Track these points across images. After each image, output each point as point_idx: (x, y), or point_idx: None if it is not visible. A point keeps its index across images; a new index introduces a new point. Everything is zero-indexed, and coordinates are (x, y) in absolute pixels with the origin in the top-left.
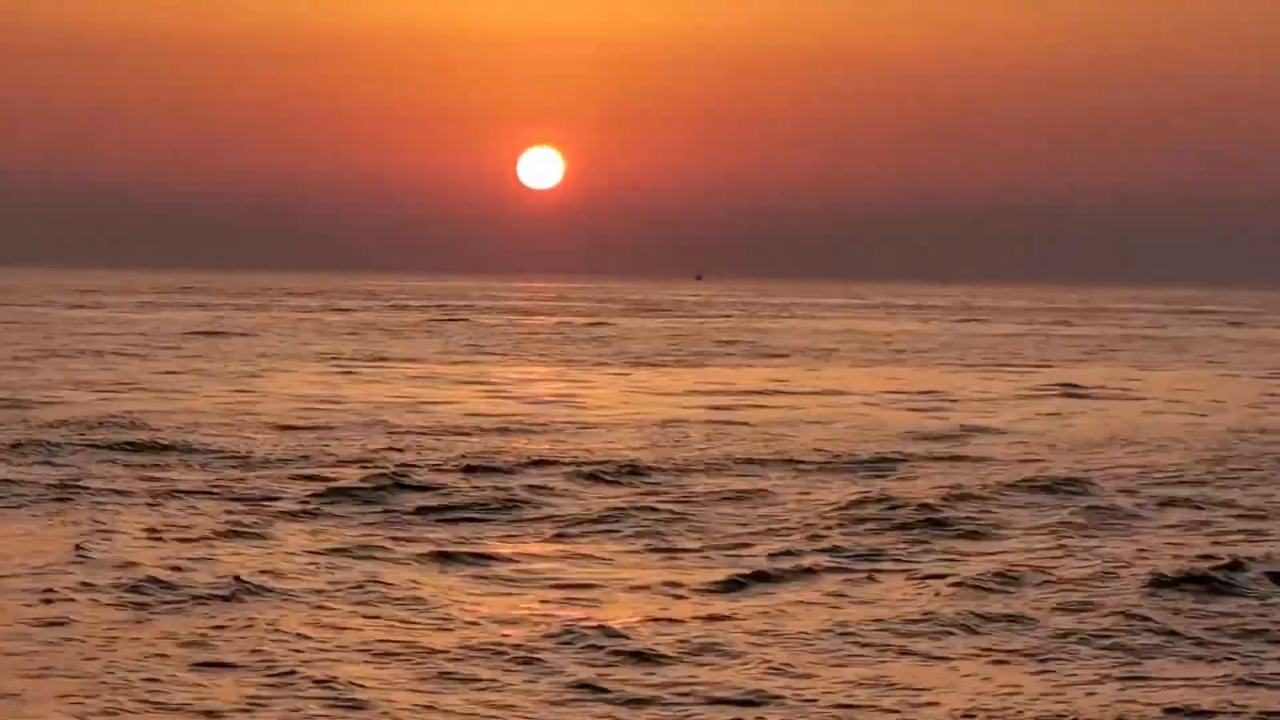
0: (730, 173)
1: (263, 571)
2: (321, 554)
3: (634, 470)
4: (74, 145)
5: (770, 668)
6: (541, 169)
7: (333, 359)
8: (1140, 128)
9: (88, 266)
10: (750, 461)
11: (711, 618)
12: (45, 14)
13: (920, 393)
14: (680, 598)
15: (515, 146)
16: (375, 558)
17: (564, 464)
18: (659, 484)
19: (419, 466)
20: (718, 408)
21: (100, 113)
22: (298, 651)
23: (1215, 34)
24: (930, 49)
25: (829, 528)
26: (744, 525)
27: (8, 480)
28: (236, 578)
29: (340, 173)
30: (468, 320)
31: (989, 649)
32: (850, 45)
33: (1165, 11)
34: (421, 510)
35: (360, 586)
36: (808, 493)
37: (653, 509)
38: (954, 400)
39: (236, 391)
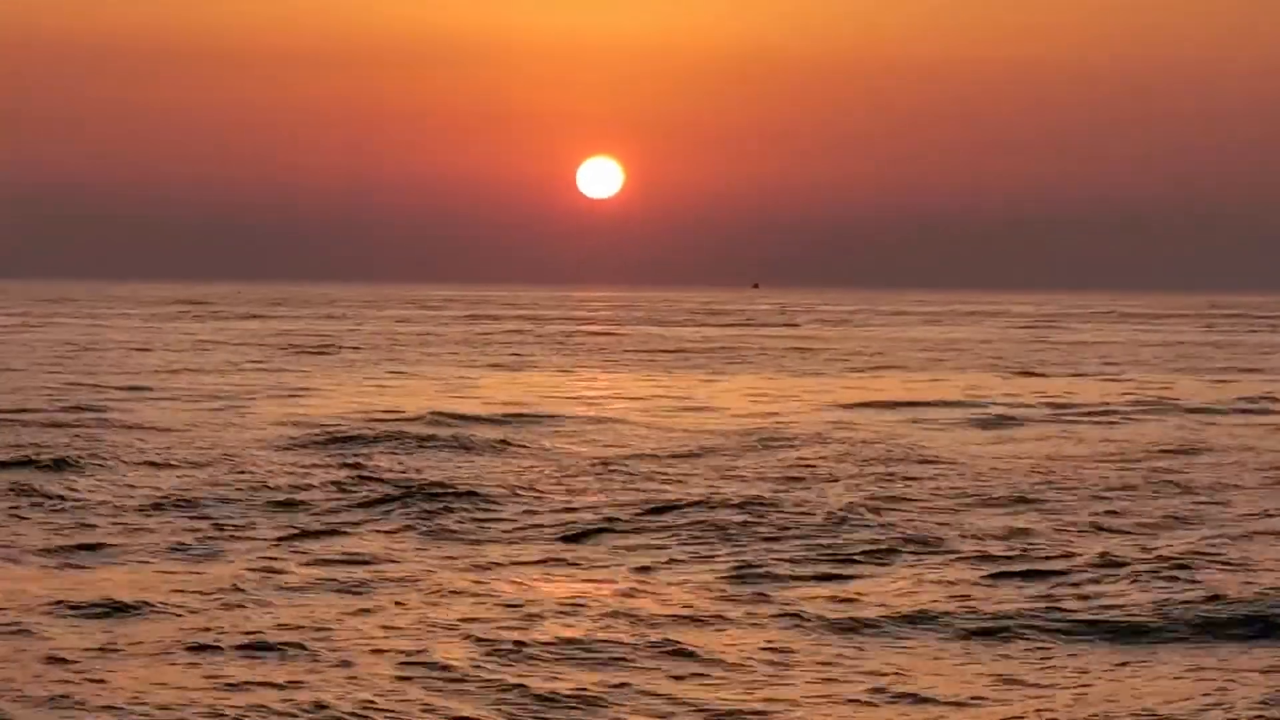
0: (787, 182)
1: None
2: None
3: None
4: (119, 153)
5: None
6: (601, 179)
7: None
8: (1201, 128)
9: (137, 278)
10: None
11: None
12: (101, 19)
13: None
14: None
15: (575, 156)
16: None
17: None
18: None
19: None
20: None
21: (141, 119)
22: None
23: None
24: (994, 57)
25: None
26: None
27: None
28: None
29: (398, 181)
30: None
31: None
32: (912, 55)
33: (1227, 8)
34: None
35: None
36: None
37: None
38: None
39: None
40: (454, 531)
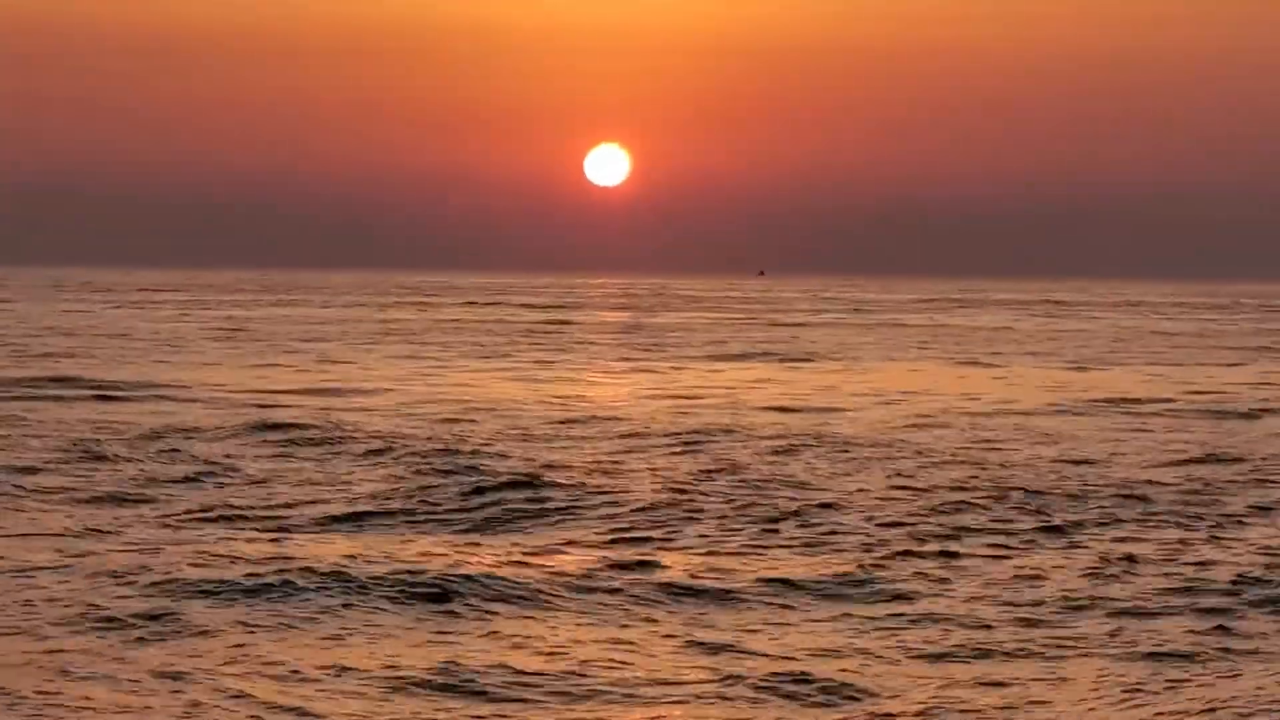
0: (793, 169)
1: None
2: None
3: None
4: (130, 145)
5: None
6: (608, 166)
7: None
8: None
9: (150, 264)
10: None
11: None
12: (139, 11)
13: None
14: None
15: (581, 143)
16: None
17: None
18: None
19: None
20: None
21: (148, 108)
22: None
23: None
24: (1005, 44)
25: None
26: None
27: None
28: None
29: (404, 169)
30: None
31: None
32: (918, 41)
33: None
34: None
35: None
36: None
37: None
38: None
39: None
40: None
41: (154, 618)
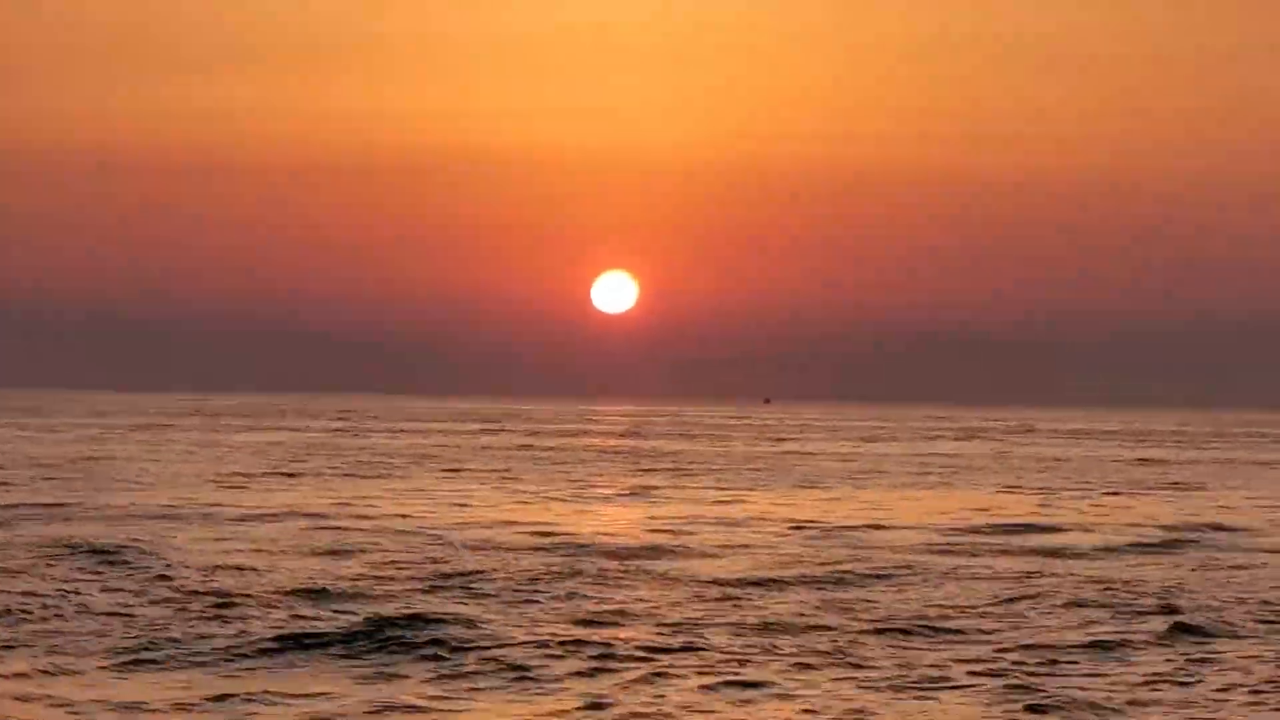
0: (798, 296)
1: None
2: None
3: None
4: (131, 268)
5: None
6: (615, 293)
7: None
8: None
9: (152, 387)
10: None
11: None
12: (163, 135)
13: None
14: None
15: (589, 270)
16: None
17: None
18: None
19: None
20: None
21: (142, 231)
22: None
23: None
24: (1008, 170)
25: None
26: None
27: None
28: None
29: (413, 293)
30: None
31: None
32: (928, 169)
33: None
34: None
35: None
36: None
37: None
38: None
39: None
40: None
41: None
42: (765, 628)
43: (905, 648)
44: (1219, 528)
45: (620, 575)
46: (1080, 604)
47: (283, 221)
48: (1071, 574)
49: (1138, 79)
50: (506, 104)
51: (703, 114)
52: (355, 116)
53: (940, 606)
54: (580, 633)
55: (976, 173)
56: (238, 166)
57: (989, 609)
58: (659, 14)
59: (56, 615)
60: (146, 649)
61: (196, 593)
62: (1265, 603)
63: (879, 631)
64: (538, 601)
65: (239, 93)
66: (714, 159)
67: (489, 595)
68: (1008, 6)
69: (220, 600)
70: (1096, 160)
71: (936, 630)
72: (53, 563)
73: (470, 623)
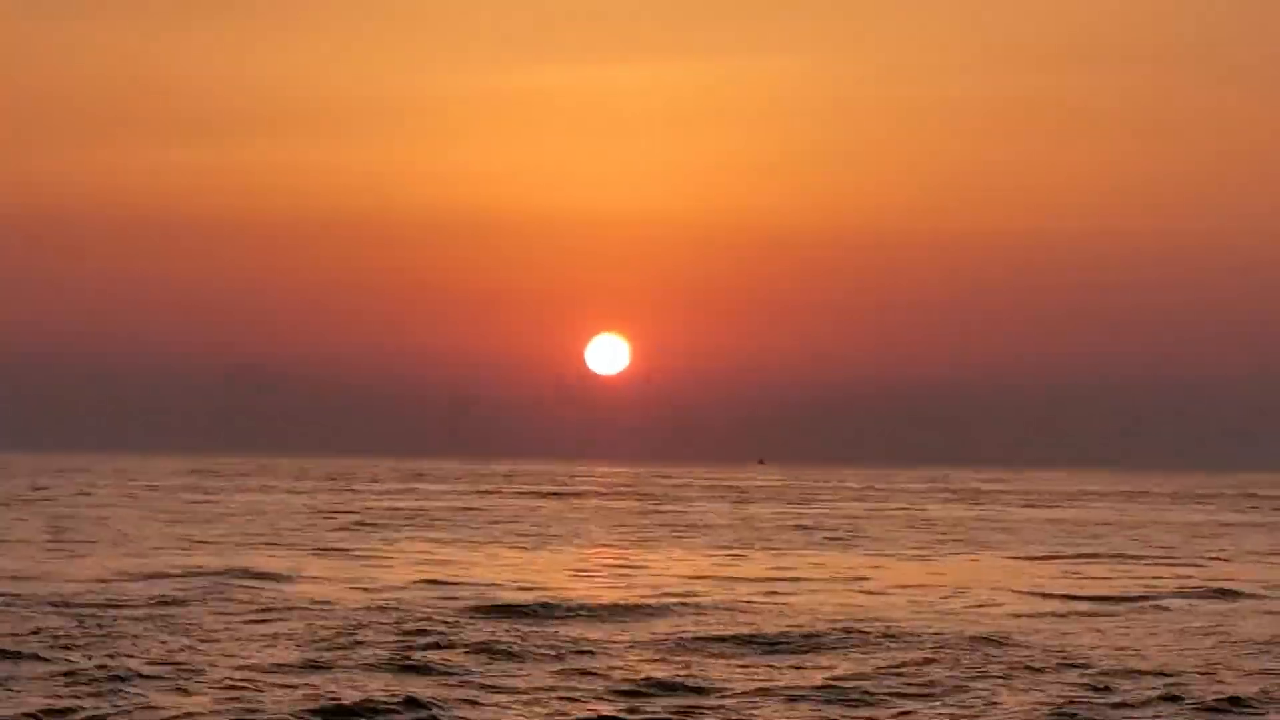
0: (790, 356)
1: None
2: None
3: None
4: (138, 323)
5: None
6: (609, 355)
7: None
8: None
9: (149, 448)
10: None
11: None
12: (145, 206)
13: None
14: None
15: (582, 332)
16: None
17: None
18: None
19: None
20: None
21: (134, 290)
22: None
23: None
24: (1002, 230)
25: None
26: None
27: None
28: None
29: (402, 354)
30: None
31: None
32: (921, 230)
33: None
34: None
35: None
36: None
37: None
38: None
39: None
40: None
41: None
42: None
43: None
44: None
45: None
46: None
47: (261, 284)
48: None
49: (1129, 137)
50: (498, 167)
51: (696, 178)
52: (340, 175)
53: None
54: None
55: (974, 233)
56: (220, 225)
57: None
58: (652, 79)
59: None
60: None
61: None
62: None
63: None
64: None
65: (220, 155)
66: (706, 222)
67: None
68: (1010, 68)
69: None
70: (1105, 223)
71: None
72: None
73: None
